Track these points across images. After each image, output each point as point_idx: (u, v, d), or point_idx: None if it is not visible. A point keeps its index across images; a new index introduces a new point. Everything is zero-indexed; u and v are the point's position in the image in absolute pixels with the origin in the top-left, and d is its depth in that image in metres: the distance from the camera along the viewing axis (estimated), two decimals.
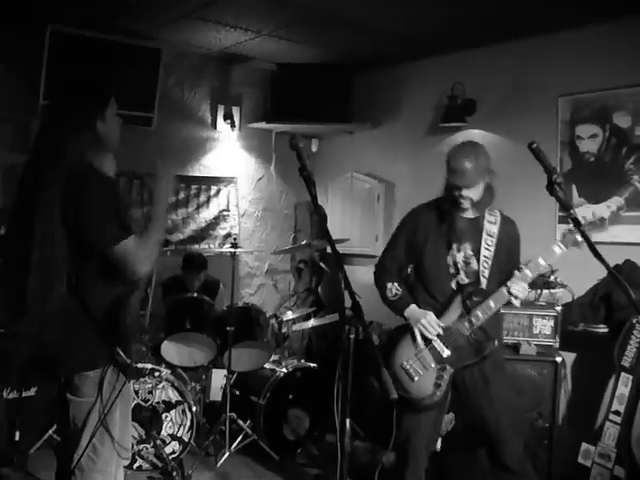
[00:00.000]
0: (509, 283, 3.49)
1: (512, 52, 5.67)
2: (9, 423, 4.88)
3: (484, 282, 3.58)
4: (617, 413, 4.43)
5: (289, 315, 5.76)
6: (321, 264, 6.51)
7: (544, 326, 4.80)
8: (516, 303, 3.53)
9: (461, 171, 3.46)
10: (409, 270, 3.90)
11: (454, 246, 3.64)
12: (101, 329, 2.84)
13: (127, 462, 3.19)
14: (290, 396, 5.43)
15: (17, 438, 4.89)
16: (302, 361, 5.81)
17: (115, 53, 5.79)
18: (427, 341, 3.63)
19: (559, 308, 4.82)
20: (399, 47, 6.08)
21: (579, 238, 3.31)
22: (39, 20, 5.38)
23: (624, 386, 4.46)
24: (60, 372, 2.93)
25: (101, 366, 2.85)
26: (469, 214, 3.66)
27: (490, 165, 3.55)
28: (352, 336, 2.61)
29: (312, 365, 5.69)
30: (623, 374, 4.48)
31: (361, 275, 5.52)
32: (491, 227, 3.65)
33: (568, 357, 5.07)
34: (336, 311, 5.91)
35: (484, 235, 3.63)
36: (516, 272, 3.51)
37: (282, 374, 5.40)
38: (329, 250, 6.47)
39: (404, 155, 6.61)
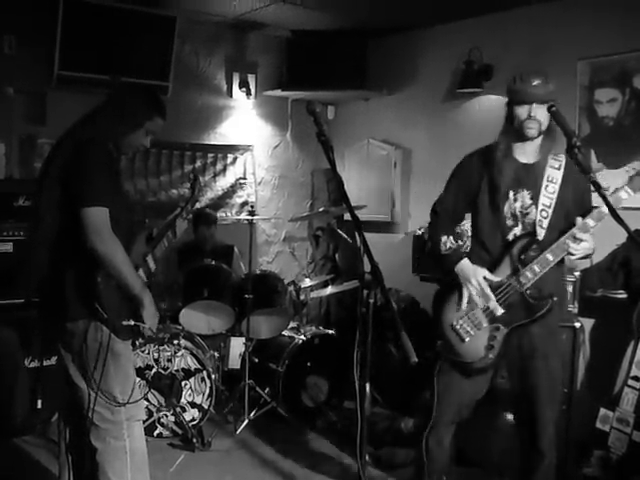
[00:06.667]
0: (570, 234, 3.15)
1: (529, 16, 5.58)
2: (31, 392, 4.95)
3: (542, 233, 3.24)
4: (636, 379, 4.42)
5: (307, 282, 5.76)
6: (338, 231, 6.49)
7: None
8: (577, 255, 3.20)
9: (530, 85, 3.13)
10: (464, 224, 3.70)
11: (510, 194, 3.29)
12: (79, 285, 2.95)
13: (142, 417, 3.28)
14: (308, 363, 5.45)
15: (39, 406, 4.96)
16: (320, 328, 5.85)
17: (130, 22, 5.77)
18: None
19: (577, 273, 4.79)
20: (415, 12, 6.00)
21: None
22: None
23: None
24: (46, 323, 3.19)
25: (82, 319, 2.97)
26: (527, 158, 3.30)
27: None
28: (371, 300, 2.59)
29: (330, 332, 5.72)
30: None
31: (378, 241, 5.52)
32: (554, 172, 3.27)
33: (587, 323, 5.04)
34: (354, 278, 5.91)
35: (544, 182, 3.26)
36: (578, 219, 3.15)
37: (300, 341, 5.43)
38: (347, 217, 6.46)
39: (421, 121, 6.56)
